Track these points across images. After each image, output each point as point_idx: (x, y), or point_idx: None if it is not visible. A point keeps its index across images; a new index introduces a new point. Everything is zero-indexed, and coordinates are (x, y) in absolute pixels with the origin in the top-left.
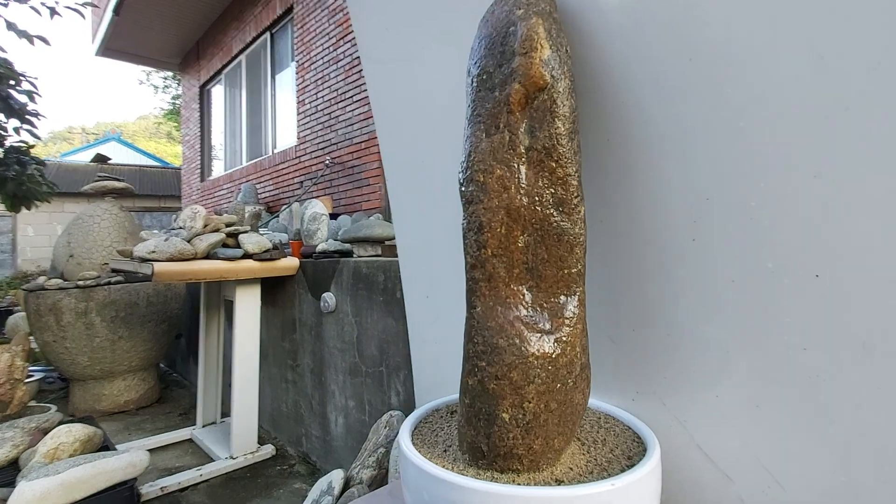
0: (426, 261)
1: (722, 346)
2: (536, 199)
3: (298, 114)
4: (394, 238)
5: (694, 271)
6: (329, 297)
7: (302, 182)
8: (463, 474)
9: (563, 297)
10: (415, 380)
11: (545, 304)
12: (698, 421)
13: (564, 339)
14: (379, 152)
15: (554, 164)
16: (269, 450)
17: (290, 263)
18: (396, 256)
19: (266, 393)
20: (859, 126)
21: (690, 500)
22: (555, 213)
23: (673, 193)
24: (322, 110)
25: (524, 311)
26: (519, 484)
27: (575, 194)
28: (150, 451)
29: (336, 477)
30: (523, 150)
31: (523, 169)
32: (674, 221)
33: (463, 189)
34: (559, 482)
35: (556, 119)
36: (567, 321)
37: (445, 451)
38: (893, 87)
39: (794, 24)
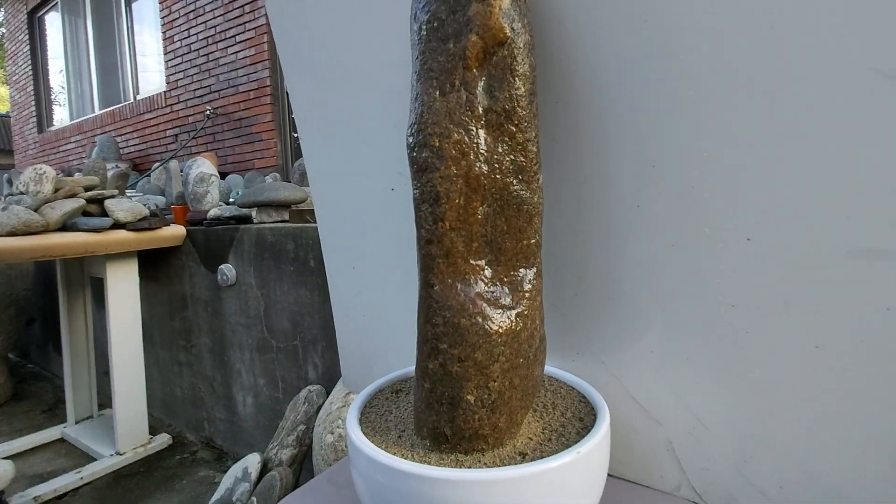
0: (351, 229)
1: (658, 306)
2: (496, 166)
3: (166, 53)
4: (303, 202)
5: (636, 236)
6: (228, 269)
7: (177, 135)
8: (425, 462)
9: (522, 270)
10: (340, 354)
11: (505, 278)
12: (633, 375)
13: (525, 312)
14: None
15: (514, 129)
16: (164, 439)
17: (174, 232)
18: (307, 222)
19: (155, 378)
20: (796, 103)
21: (625, 446)
22: (514, 182)
23: (620, 160)
24: (197, 50)
25: (485, 287)
26: (486, 463)
27: (534, 161)
28: (13, 457)
29: (252, 462)
30: (482, 112)
31: (482, 133)
32: (619, 188)
33: (415, 154)
34: (523, 455)
35: (516, 79)
36: (527, 294)
37: (400, 437)
38: (834, 69)
39: None
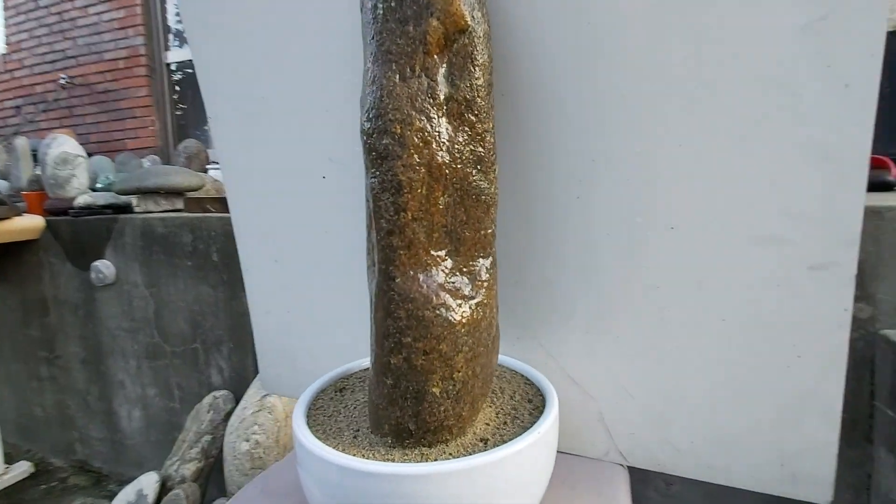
0: (274, 219)
1: (593, 291)
2: (457, 156)
3: (7, 9)
4: (199, 188)
5: (574, 226)
6: (105, 266)
7: (19, 107)
8: (389, 460)
9: (480, 260)
10: (259, 354)
11: (465, 268)
12: (569, 355)
13: (485, 302)
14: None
15: (474, 119)
16: (24, 468)
17: (28, 224)
18: (208, 211)
19: (6, 398)
20: (710, 107)
21: (561, 420)
22: (474, 172)
23: (563, 154)
24: (47, 7)
25: (446, 278)
26: (451, 454)
27: (492, 152)
28: None
29: (148, 482)
30: (443, 101)
31: (444, 122)
32: (561, 180)
33: (373, 141)
34: (484, 441)
35: (476, 68)
36: (485, 283)
37: (355, 437)
38: (735, 78)
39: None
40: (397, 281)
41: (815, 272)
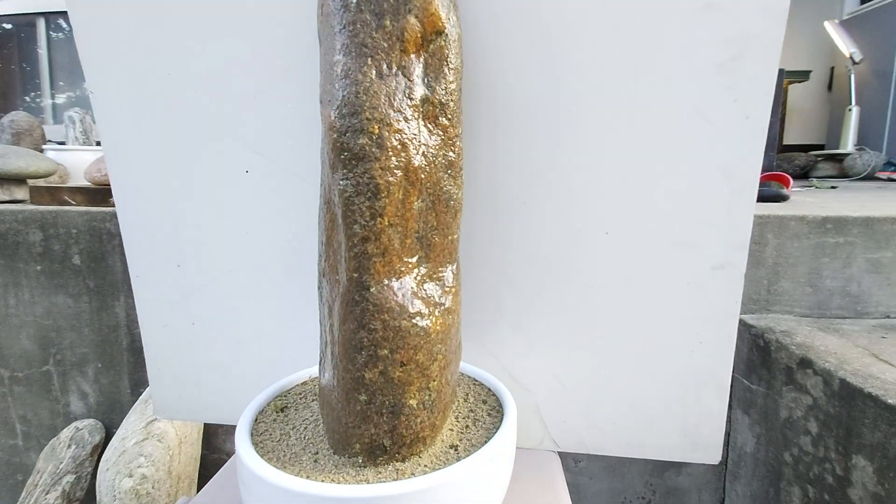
0: (178, 218)
1: (534, 292)
2: (431, 160)
3: None
4: (50, 174)
5: (520, 231)
6: None
7: None
8: (363, 481)
9: (447, 266)
10: (150, 374)
11: (434, 275)
12: (510, 354)
13: (452, 308)
14: None
15: (447, 122)
16: None
17: None
18: (66, 204)
19: None
20: (649, 127)
21: None
22: (445, 177)
23: (510, 161)
24: None
25: (419, 286)
26: (426, 465)
27: (460, 157)
28: None
29: None
30: (419, 102)
31: (420, 124)
32: (508, 186)
33: (346, 140)
34: (454, 447)
35: (450, 72)
36: (452, 289)
37: (316, 461)
38: (674, 103)
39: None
40: (372, 290)
41: (715, 271)
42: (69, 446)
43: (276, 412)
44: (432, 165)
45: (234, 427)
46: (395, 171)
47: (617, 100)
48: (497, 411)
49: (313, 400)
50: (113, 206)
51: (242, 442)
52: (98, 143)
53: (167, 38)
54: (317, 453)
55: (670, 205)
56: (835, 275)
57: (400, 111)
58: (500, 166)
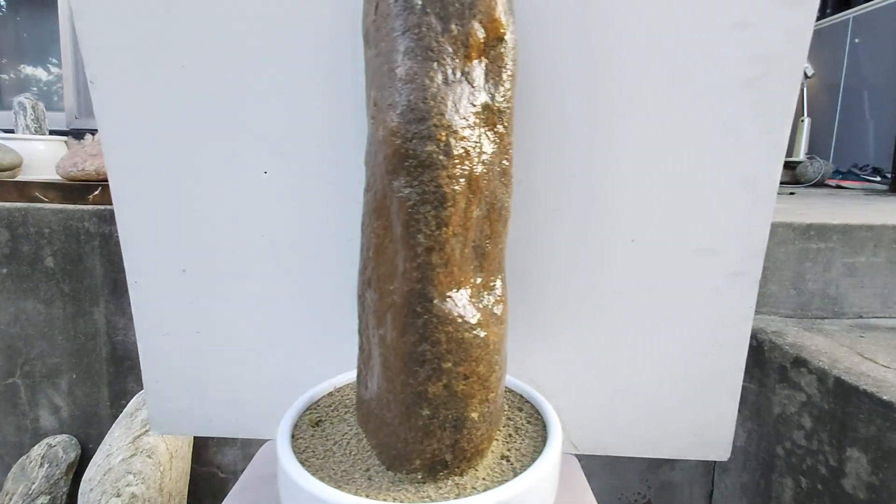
0: (187, 219)
1: (559, 298)
2: (489, 167)
3: None
4: (15, 167)
5: (551, 237)
6: None
7: None
8: (427, 499)
9: (498, 275)
10: (147, 385)
11: (487, 285)
12: (535, 359)
13: (503, 317)
14: None
15: (503, 130)
16: None
17: None
18: (37, 200)
19: None
20: (679, 139)
21: None
22: (499, 185)
23: (544, 167)
24: None
25: (477, 296)
26: (484, 479)
27: (511, 165)
28: None
29: None
30: (480, 109)
31: (482, 131)
32: (541, 192)
33: (412, 147)
34: (506, 458)
35: (507, 79)
36: (501, 299)
37: (370, 479)
38: (705, 117)
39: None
40: (435, 302)
41: (732, 277)
42: (41, 465)
43: (311, 426)
44: (490, 174)
45: (230, 440)
46: (460, 179)
47: (650, 111)
48: (536, 419)
49: (346, 412)
50: (91, 203)
51: (290, 460)
52: (52, 133)
53: (184, 25)
54: (368, 470)
55: (694, 213)
56: (816, 278)
57: (465, 118)
58: (535, 174)
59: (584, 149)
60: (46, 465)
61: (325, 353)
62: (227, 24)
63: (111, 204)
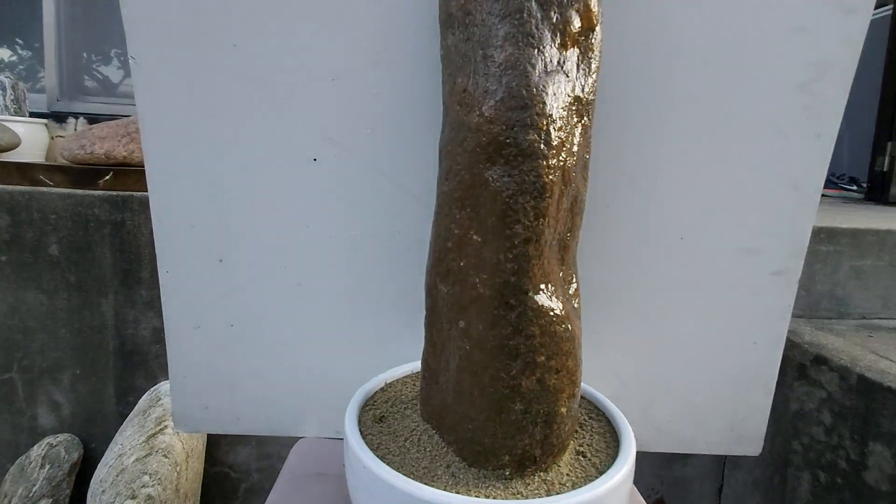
0: (227, 207)
1: (606, 294)
2: (577, 160)
3: None
4: (14, 147)
5: (599, 232)
6: None
7: None
8: (518, 496)
9: (573, 268)
10: (173, 381)
11: (567, 278)
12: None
13: (579, 312)
14: None
15: (588, 122)
16: None
17: None
18: (39, 184)
19: None
20: (730, 141)
21: None
22: (581, 178)
23: (599, 164)
24: None
25: (562, 289)
26: (568, 475)
27: (590, 158)
28: None
29: None
30: (573, 100)
31: (575, 122)
32: (595, 189)
33: (513, 135)
34: (581, 453)
35: (594, 71)
36: (577, 293)
37: (453, 475)
38: (757, 120)
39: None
40: (530, 294)
41: (774, 277)
42: (42, 466)
43: (375, 422)
44: (577, 166)
45: (244, 439)
46: (556, 170)
47: (705, 112)
48: (596, 413)
49: (405, 408)
50: (102, 188)
51: (369, 458)
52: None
53: (239, 2)
54: (449, 467)
55: (740, 212)
56: (824, 279)
57: (562, 108)
58: (590, 169)
59: (637, 145)
60: (48, 466)
61: (366, 349)
62: (285, 4)
63: (124, 190)
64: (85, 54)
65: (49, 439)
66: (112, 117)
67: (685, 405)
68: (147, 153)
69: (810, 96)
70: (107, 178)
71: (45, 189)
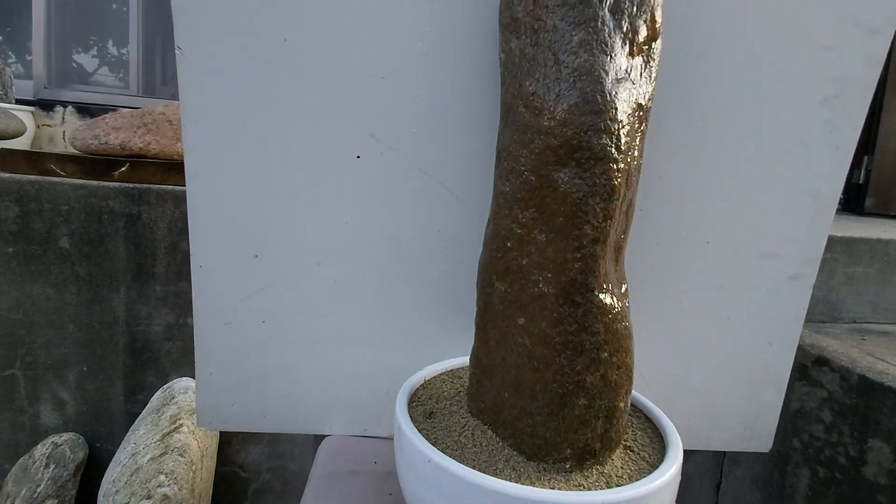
0: (265, 202)
1: (633, 295)
2: (636, 164)
3: None
4: (20, 134)
5: (632, 237)
6: None
7: None
8: (580, 487)
9: (622, 269)
10: (199, 378)
11: (620, 278)
12: None
13: (629, 310)
14: None
15: (645, 129)
16: None
17: None
18: (51, 174)
19: None
20: (757, 152)
21: None
22: (635, 183)
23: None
24: None
25: (617, 288)
26: (621, 468)
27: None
28: None
29: None
30: (636, 107)
31: (637, 128)
32: None
33: (587, 139)
34: (628, 448)
35: (654, 79)
36: (627, 293)
37: (514, 469)
38: (784, 132)
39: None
40: (595, 293)
41: (791, 281)
42: (47, 465)
43: (425, 418)
44: (635, 170)
45: (255, 438)
46: (623, 174)
47: (735, 122)
48: (634, 409)
49: (451, 404)
50: (117, 180)
51: (434, 452)
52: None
53: (290, 5)
54: (508, 461)
55: (762, 219)
56: (820, 285)
57: (630, 115)
58: None
59: (670, 152)
60: (53, 466)
61: (396, 348)
62: (340, 4)
63: (140, 182)
64: (75, 43)
65: (54, 438)
66: (102, 108)
67: (703, 403)
68: (187, 145)
69: (832, 111)
70: (122, 169)
71: (56, 179)
